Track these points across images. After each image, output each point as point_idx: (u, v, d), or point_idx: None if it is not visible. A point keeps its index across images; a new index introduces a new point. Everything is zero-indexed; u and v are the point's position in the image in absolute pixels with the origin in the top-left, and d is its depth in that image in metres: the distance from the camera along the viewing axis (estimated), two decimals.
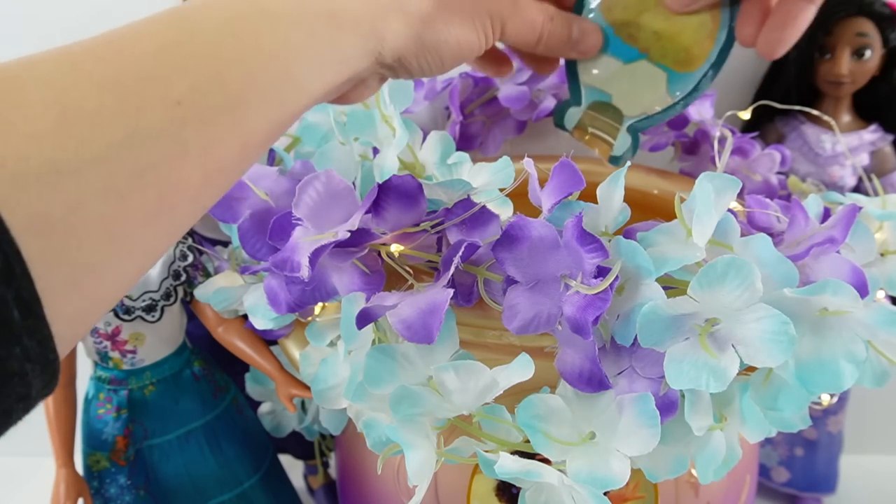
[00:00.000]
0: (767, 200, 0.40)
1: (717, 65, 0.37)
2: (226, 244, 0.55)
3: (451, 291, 0.32)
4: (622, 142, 0.39)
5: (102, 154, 0.21)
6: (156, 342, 0.51)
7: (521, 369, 0.32)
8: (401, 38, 0.30)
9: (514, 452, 0.32)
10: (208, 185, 0.25)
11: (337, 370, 0.39)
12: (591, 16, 0.39)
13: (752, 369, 0.35)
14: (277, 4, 0.27)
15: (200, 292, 0.49)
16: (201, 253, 0.52)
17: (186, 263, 0.51)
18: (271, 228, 0.35)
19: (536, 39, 0.36)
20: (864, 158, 0.62)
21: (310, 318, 0.43)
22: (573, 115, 0.40)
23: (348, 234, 0.32)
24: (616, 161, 0.40)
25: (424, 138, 0.45)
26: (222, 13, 0.26)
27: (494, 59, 0.41)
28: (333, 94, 0.31)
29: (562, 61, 0.41)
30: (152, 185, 0.22)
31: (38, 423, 0.52)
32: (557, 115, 0.41)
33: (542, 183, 0.35)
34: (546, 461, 0.32)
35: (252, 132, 0.25)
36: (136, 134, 0.22)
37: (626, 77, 0.38)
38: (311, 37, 0.27)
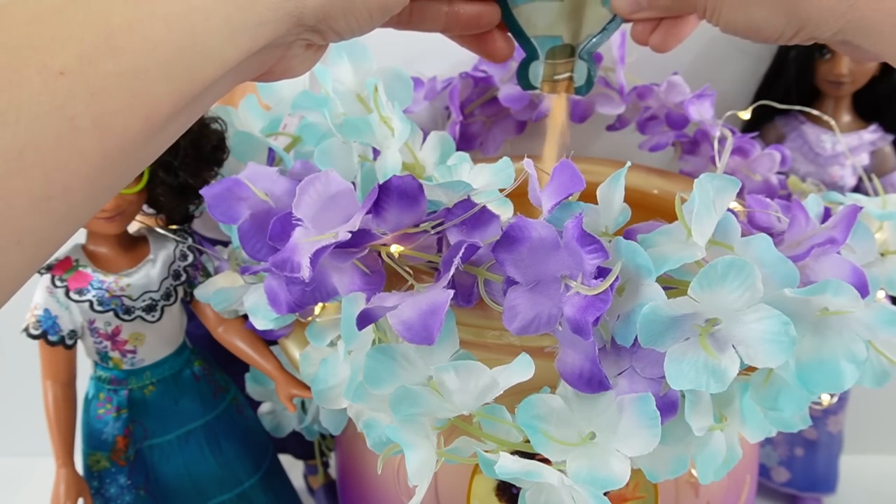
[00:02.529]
0: (768, 200, 0.40)
1: None
2: (226, 244, 0.55)
3: (451, 292, 0.32)
4: (580, 70, 0.40)
5: None
6: (156, 342, 0.51)
7: (521, 369, 0.32)
8: None
9: (514, 452, 0.32)
10: (110, 165, 0.22)
11: (337, 370, 0.39)
12: None
13: (752, 369, 0.35)
14: None
15: (200, 292, 0.49)
16: (201, 253, 0.52)
17: (186, 263, 0.51)
18: (271, 229, 0.35)
19: None
20: (864, 158, 0.62)
21: (310, 319, 0.43)
22: (536, 70, 0.40)
23: (349, 235, 0.32)
24: (581, 91, 0.40)
25: (424, 138, 0.45)
26: None
27: (487, 40, 0.39)
28: (255, 66, 0.28)
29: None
30: (35, 166, 0.20)
31: (38, 423, 0.52)
32: (521, 78, 0.40)
33: (542, 183, 0.35)
34: (546, 461, 0.32)
35: (156, 104, 0.23)
36: (9, 109, 0.20)
37: (565, 12, 0.39)
38: None
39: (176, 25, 0.23)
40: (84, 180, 0.22)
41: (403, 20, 0.34)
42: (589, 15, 0.39)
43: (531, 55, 0.40)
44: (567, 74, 0.40)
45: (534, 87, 0.41)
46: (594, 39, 0.39)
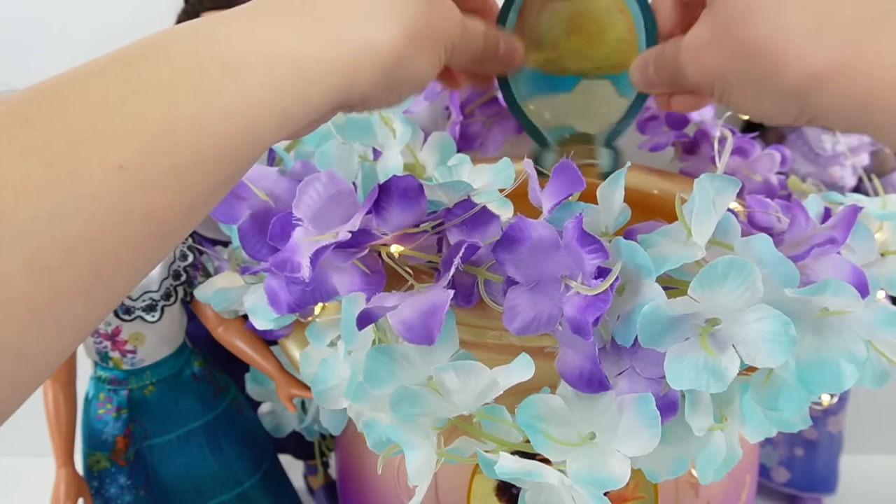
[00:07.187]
0: (768, 200, 0.40)
1: (652, 45, 0.37)
2: (226, 244, 0.55)
3: (451, 292, 0.32)
4: (605, 157, 0.40)
5: (27, 227, 0.19)
6: (156, 342, 0.51)
7: (521, 369, 0.32)
8: (369, 82, 0.28)
9: (514, 452, 0.32)
10: (148, 250, 0.23)
11: (337, 370, 0.39)
12: None
13: (752, 369, 0.35)
14: (238, 52, 0.24)
15: (200, 292, 0.49)
16: (201, 253, 0.52)
17: (186, 263, 0.51)
18: (271, 229, 0.35)
19: (472, 57, 0.35)
20: (864, 158, 0.62)
21: (310, 319, 0.43)
22: (548, 158, 0.40)
23: (349, 235, 0.32)
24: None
25: (425, 139, 0.45)
26: (175, 65, 0.23)
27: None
28: (289, 138, 0.29)
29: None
30: (86, 258, 0.20)
31: (38, 423, 0.52)
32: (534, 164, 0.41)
33: (542, 183, 0.35)
34: (546, 461, 0.32)
35: (200, 193, 0.23)
36: (68, 202, 0.20)
37: (577, 103, 0.38)
38: (277, 91, 0.25)
39: (236, 120, 0.24)
40: (127, 267, 0.22)
41: None
42: (606, 105, 0.38)
43: (542, 144, 0.39)
44: (585, 159, 0.40)
45: (546, 174, 0.40)
46: (617, 127, 0.39)
